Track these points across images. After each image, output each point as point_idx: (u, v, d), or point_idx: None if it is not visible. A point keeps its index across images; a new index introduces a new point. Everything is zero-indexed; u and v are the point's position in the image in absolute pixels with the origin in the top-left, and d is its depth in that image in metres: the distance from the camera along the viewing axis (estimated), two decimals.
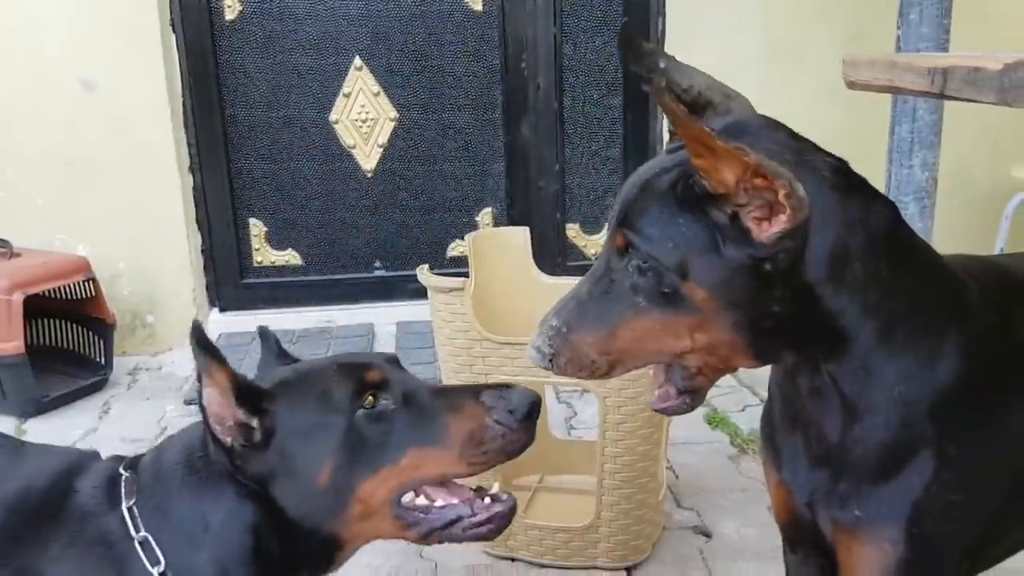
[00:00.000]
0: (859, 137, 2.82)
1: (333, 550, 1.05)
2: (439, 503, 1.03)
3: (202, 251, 3.20)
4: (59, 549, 1.03)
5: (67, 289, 2.73)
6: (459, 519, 1.03)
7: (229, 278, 3.26)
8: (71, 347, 2.86)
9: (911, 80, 0.75)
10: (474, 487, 1.06)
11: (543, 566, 1.82)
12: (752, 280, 0.83)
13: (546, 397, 2.21)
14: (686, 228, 0.83)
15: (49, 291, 2.66)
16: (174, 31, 3.02)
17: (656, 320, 0.85)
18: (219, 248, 3.23)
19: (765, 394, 2.62)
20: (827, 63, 2.79)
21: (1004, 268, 1.05)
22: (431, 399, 1.03)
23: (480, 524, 1.03)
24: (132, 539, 1.02)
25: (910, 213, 2.16)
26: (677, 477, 2.15)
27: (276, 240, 3.27)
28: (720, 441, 2.33)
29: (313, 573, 1.08)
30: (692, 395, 0.94)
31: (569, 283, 1.92)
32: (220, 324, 3.19)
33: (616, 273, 0.88)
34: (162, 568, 1.01)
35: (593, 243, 3.31)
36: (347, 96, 3.15)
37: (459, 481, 1.05)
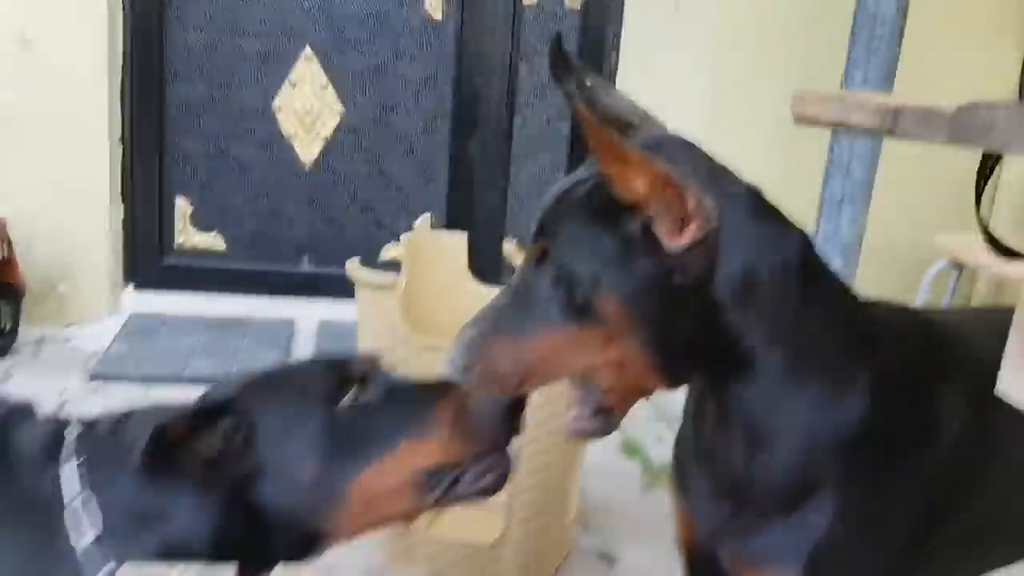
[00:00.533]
0: (794, 189, 2.90)
1: (312, 545, 0.99)
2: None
3: (123, 224, 3.08)
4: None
5: None
6: (462, 475, 1.00)
7: (148, 256, 3.15)
8: None
9: (861, 117, 0.76)
10: None
11: None
12: (661, 293, 0.82)
13: None
14: (599, 238, 0.83)
15: None
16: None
17: (569, 333, 0.84)
18: (141, 223, 3.11)
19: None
20: (773, 112, 2.87)
21: (926, 318, 1.08)
22: (416, 390, 1.01)
23: (477, 479, 1.01)
24: (72, 497, 0.93)
25: (834, 268, 2.22)
26: (586, 502, 2.15)
27: (201, 222, 3.17)
28: (633, 471, 2.33)
29: (289, 559, 1.01)
30: (605, 418, 0.92)
31: None
32: (135, 302, 3.07)
33: (533, 285, 0.86)
34: (99, 532, 0.93)
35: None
36: (293, 85, 3.10)
37: None
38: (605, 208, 0.83)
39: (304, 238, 3.22)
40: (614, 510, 2.13)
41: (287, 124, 3.13)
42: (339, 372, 0.99)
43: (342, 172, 3.19)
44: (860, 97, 0.80)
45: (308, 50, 3.08)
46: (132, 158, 3.05)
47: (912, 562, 0.97)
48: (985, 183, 0.99)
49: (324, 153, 3.17)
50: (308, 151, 3.16)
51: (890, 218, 2.92)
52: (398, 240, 2.79)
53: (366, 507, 0.98)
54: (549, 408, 1.66)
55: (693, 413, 1.01)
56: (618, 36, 3.12)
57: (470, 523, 1.93)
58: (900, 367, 0.93)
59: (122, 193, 3.05)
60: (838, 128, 0.83)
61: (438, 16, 3.10)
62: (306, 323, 3.07)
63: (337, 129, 3.15)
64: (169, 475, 0.94)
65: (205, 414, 0.95)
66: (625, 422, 2.73)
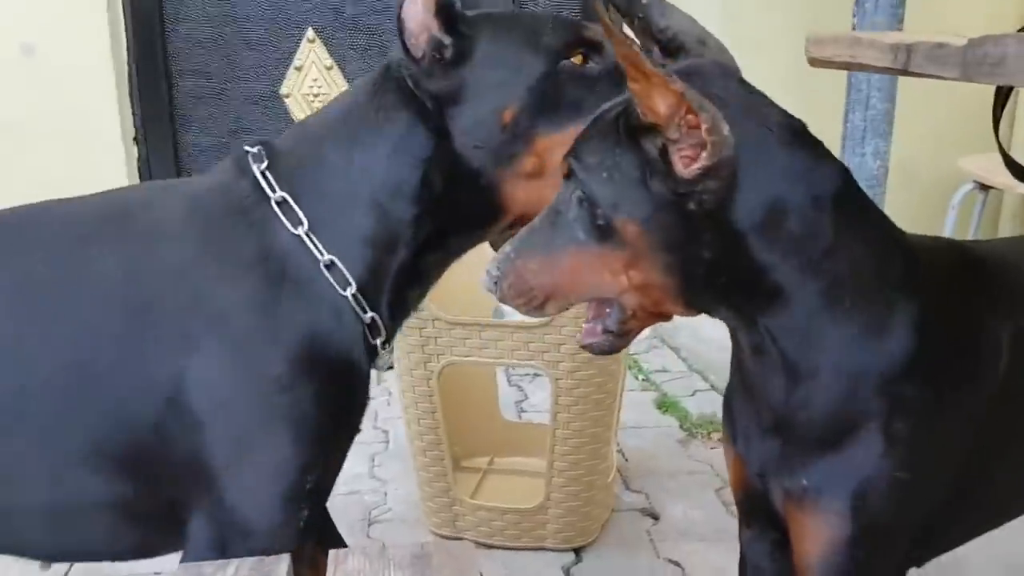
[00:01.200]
0: (814, 125, 2.85)
1: (493, 207, 0.99)
2: None
3: None
4: (178, 227, 0.96)
5: None
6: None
7: None
8: None
9: (874, 56, 0.74)
10: None
11: (490, 547, 1.81)
12: (679, 220, 0.82)
13: (498, 380, 2.19)
14: (620, 159, 0.83)
15: None
16: None
17: (592, 254, 0.85)
18: None
19: (714, 379, 2.64)
20: (784, 52, 2.80)
21: (970, 250, 1.05)
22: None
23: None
24: (268, 201, 0.95)
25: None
26: (627, 460, 2.16)
27: None
28: (670, 425, 2.33)
29: (467, 237, 1.03)
30: (619, 336, 0.92)
31: None
32: None
33: (562, 204, 0.87)
34: (305, 227, 0.94)
35: None
36: (299, 69, 3.08)
37: None
38: (628, 129, 0.83)
39: None
40: (654, 466, 2.13)
41: (297, 109, 3.12)
42: (576, 32, 0.97)
43: None
44: (872, 36, 0.78)
45: (311, 32, 3.06)
46: (148, 157, 3.06)
47: (961, 500, 0.96)
48: (1002, 110, 0.96)
49: None
50: None
51: (913, 145, 2.87)
52: None
53: (541, 173, 0.96)
54: (580, 370, 1.67)
55: (734, 350, 0.99)
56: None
57: (513, 490, 1.95)
58: (945, 301, 0.91)
59: None
60: (852, 69, 0.81)
61: None
62: None
63: None
64: (375, 107, 0.97)
65: (449, 6, 0.94)
66: (659, 378, 2.73)
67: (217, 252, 0.95)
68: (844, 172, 0.88)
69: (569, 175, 0.87)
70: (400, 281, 1.00)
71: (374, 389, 2.60)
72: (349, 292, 0.95)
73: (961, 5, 2.83)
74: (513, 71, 0.94)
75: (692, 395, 2.49)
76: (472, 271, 1.95)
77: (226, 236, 0.95)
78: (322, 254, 0.94)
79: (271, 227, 0.95)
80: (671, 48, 0.93)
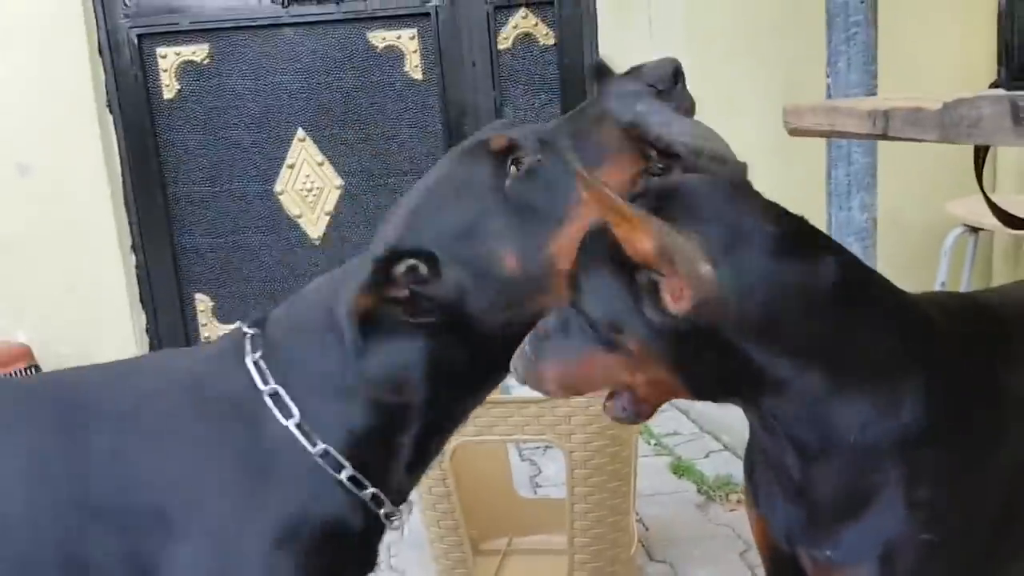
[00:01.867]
0: (796, 183, 2.90)
1: (530, 318, 0.93)
2: None
3: (146, 330, 3.13)
4: (177, 416, 0.95)
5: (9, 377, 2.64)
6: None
7: None
8: None
9: (853, 124, 0.77)
10: None
11: None
12: (676, 338, 0.85)
13: (509, 455, 2.18)
14: (614, 289, 0.85)
15: None
16: (111, 112, 3.00)
17: (602, 359, 0.88)
18: (164, 326, 3.16)
19: (727, 439, 2.62)
20: (761, 115, 2.88)
21: (982, 304, 1.06)
22: (568, 132, 0.94)
23: None
24: (259, 392, 0.94)
25: (854, 253, 2.22)
26: (647, 529, 2.13)
27: (223, 314, 3.21)
28: (687, 490, 2.32)
29: (497, 379, 1.00)
30: (638, 408, 0.95)
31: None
32: None
33: (570, 315, 0.89)
34: (296, 420, 0.94)
35: None
36: (291, 167, 3.15)
37: None
38: (622, 260, 0.83)
39: None
40: (675, 534, 2.11)
41: (291, 206, 3.18)
42: (487, 152, 0.92)
43: (351, 241, 3.23)
44: (849, 103, 0.81)
45: (300, 132, 3.14)
46: (147, 264, 3.10)
47: (989, 563, 0.94)
48: (983, 163, 0.99)
49: (331, 226, 3.21)
50: (315, 227, 3.21)
51: (899, 195, 2.92)
52: None
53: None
54: (593, 440, 1.67)
55: (751, 424, 1.01)
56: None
57: (535, 571, 1.92)
58: (958, 362, 0.92)
59: (141, 299, 3.11)
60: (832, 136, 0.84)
61: (418, 76, 3.16)
62: None
63: (340, 201, 3.20)
64: (375, 337, 0.92)
65: (383, 267, 0.90)
66: (671, 441, 2.71)
67: (208, 442, 0.95)
68: (840, 262, 0.88)
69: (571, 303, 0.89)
70: (415, 449, 1.00)
71: None
72: (344, 475, 0.95)
73: (933, 58, 2.92)
74: (479, 232, 0.92)
75: (706, 457, 2.48)
76: None
77: (218, 426, 0.96)
78: (314, 445, 0.94)
79: (262, 418, 0.95)
80: (668, 154, 0.92)
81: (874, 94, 2.05)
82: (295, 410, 0.94)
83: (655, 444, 2.60)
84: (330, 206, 3.20)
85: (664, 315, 0.83)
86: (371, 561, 1.03)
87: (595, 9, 3.12)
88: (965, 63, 2.92)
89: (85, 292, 2.95)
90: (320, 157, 3.17)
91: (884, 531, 0.88)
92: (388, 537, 2.27)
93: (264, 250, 3.20)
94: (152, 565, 0.91)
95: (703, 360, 0.86)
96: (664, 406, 2.64)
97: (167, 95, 3.06)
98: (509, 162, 0.91)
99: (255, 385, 0.95)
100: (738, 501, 2.18)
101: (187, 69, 3.06)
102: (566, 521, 1.72)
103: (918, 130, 0.64)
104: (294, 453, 0.94)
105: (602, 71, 0.95)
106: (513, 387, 2.60)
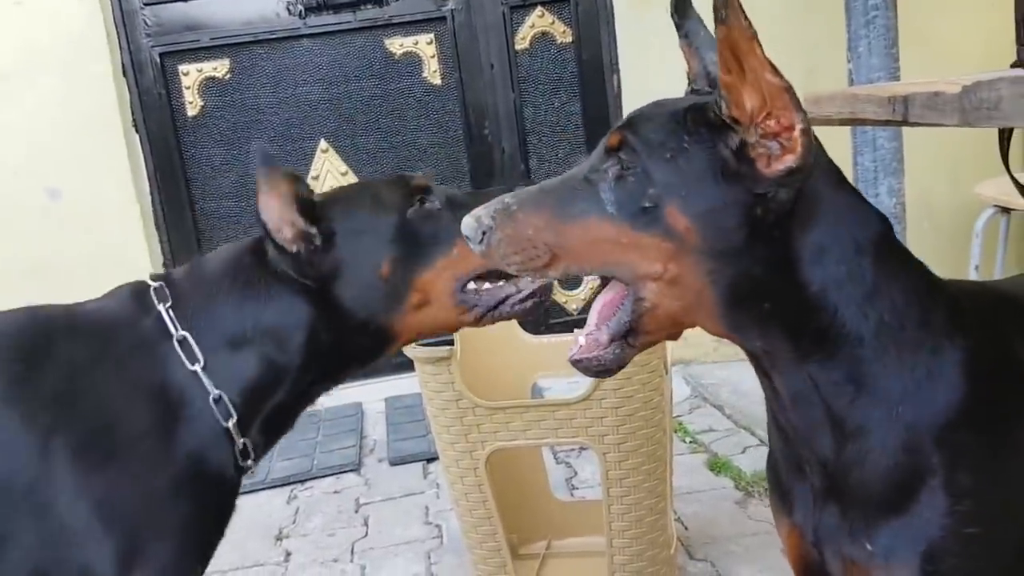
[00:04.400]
0: None
1: (384, 342, 1.15)
2: (486, 286, 1.15)
3: None
4: (89, 359, 1.04)
5: None
6: (507, 298, 1.15)
7: None
8: None
9: (873, 110, 0.76)
10: None
11: None
12: (738, 225, 0.78)
13: (543, 458, 2.18)
14: (690, 147, 0.79)
15: None
16: (137, 131, 3.04)
17: (623, 232, 0.80)
18: None
19: (763, 433, 2.59)
20: None
21: (1002, 290, 1.04)
22: (470, 198, 1.15)
23: (524, 299, 1.16)
24: (170, 338, 1.06)
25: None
26: (686, 528, 2.12)
27: None
28: (725, 487, 2.30)
29: (356, 368, 1.17)
30: (620, 349, 0.86)
31: (554, 340, 1.89)
32: None
33: (594, 173, 0.83)
34: (201, 364, 1.06)
35: (573, 298, 3.32)
36: (316, 179, 3.17)
37: None
38: (702, 121, 0.80)
39: None
40: (715, 532, 2.09)
41: None
42: (406, 185, 1.14)
43: None
44: (869, 90, 0.80)
45: (323, 143, 3.16)
46: None
47: None
48: (1008, 144, 0.97)
49: None
50: None
51: (928, 178, 2.88)
52: None
53: (428, 302, 1.11)
54: (627, 441, 1.66)
55: (769, 407, 0.95)
56: (615, 59, 3.15)
57: (577, 571, 1.92)
58: (991, 344, 0.89)
59: None
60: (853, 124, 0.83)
61: (437, 81, 3.16)
62: (372, 403, 3.11)
63: None
64: (257, 279, 1.09)
65: (306, 205, 1.08)
66: (706, 438, 2.69)
67: (121, 383, 1.05)
68: (884, 221, 0.87)
69: (616, 148, 0.82)
70: (277, 411, 1.13)
71: (421, 482, 2.58)
72: (231, 423, 1.07)
73: (956, 38, 2.87)
74: (374, 234, 1.11)
75: (743, 452, 2.45)
76: (504, 356, 1.96)
77: (130, 369, 1.06)
78: (212, 390, 1.06)
79: (171, 362, 1.06)
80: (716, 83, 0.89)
81: (897, 77, 2.02)
82: (200, 356, 1.06)
83: (691, 442, 2.58)
84: None
85: (751, 183, 0.77)
86: (232, 507, 1.14)
87: (611, 3, 3.11)
88: (988, 41, 2.87)
89: None
90: (343, 167, 3.18)
91: (927, 525, 0.84)
92: (426, 545, 2.29)
93: None
94: (74, 495, 0.98)
95: (754, 266, 0.80)
96: (698, 403, 2.62)
97: (191, 112, 3.10)
98: (417, 199, 1.13)
99: (164, 330, 1.06)
100: None
101: (209, 85, 3.09)
102: (604, 523, 1.72)
103: (938, 115, 0.63)
104: (195, 398, 1.05)
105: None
106: (546, 391, 2.60)
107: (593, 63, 3.18)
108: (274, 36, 3.07)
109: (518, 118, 3.20)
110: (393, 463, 2.68)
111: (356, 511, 2.42)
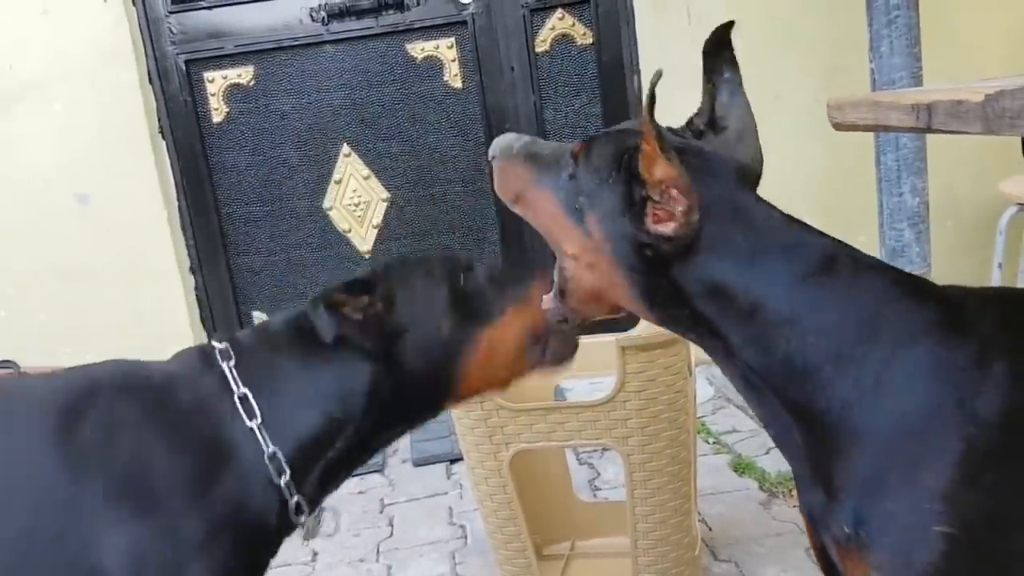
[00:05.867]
0: (844, 171, 2.87)
1: (442, 399, 1.20)
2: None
3: None
4: (142, 411, 1.07)
5: None
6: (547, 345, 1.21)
7: None
8: None
9: (897, 117, 0.77)
10: None
11: None
12: (636, 254, 0.93)
13: (567, 459, 2.19)
14: (613, 180, 0.95)
15: None
16: (164, 138, 3.09)
17: (560, 214, 0.98)
18: None
19: None
20: (804, 102, 2.85)
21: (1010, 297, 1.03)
22: (513, 274, 1.26)
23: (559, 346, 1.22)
24: (231, 395, 1.09)
25: (906, 239, 2.18)
26: (710, 529, 2.12)
27: None
28: (749, 488, 2.30)
29: (413, 424, 1.22)
30: (563, 305, 1.04)
31: (583, 340, 1.90)
32: None
33: (563, 161, 1.01)
34: (259, 421, 1.09)
35: None
36: (338, 183, 3.20)
37: None
38: (631, 166, 0.94)
39: None
40: (739, 533, 2.10)
41: (340, 221, 3.23)
42: (452, 261, 1.23)
43: (399, 252, 3.27)
44: (892, 97, 0.81)
45: (345, 147, 3.19)
46: (205, 285, 3.18)
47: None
48: None
49: (379, 239, 3.26)
50: (364, 241, 3.26)
51: (951, 176, 2.87)
52: None
53: (486, 360, 1.18)
54: (651, 443, 1.67)
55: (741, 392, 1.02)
56: (636, 60, 3.15)
57: (601, 572, 1.93)
58: (969, 351, 0.87)
59: (202, 320, 3.18)
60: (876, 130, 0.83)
61: (458, 84, 3.18)
62: None
63: (387, 214, 3.24)
64: (331, 347, 1.11)
65: (357, 284, 1.15)
66: (730, 439, 2.70)
67: (174, 437, 1.07)
68: (822, 252, 0.91)
69: (575, 154, 1.00)
70: (332, 466, 1.16)
71: (445, 483, 2.60)
72: (283, 480, 1.09)
73: (978, 38, 2.85)
74: (430, 302, 1.18)
75: (767, 453, 2.45)
76: None
77: (186, 424, 1.09)
78: (268, 446, 1.09)
79: (229, 418, 1.09)
80: (715, 126, 1.03)
81: (919, 77, 2.02)
82: (258, 412, 1.09)
83: (714, 443, 2.58)
84: (378, 219, 3.24)
85: (636, 228, 0.92)
86: (274, 553, 1.16)
87: (632, 5, 3.12)
88: (1011, 40, 2.85)
89: (147, 315, 3.04)
90: (366, 171, 3.21)
91: (898, 516, 0.85)
92: (451, 546, 2.31)
93: (316, 266, 3.25)
94: (85, 543, 1.00)
95: (658, 281, 0.94)
96: (722, 403, 2.63)
97: (216, 118, 3.14)
98: (464, 273, 1.22)
99: (226, 387, 1.10)
100: None
101: (234, 92, 3.13)
102: (628, 524, 1.73)
103: (961, 123, 0.64)
104: (249, 454, 1.08)
105: (728, 33, 1.08)
106: (568, 392, 2.61)
107: (613, 65, 3.19)
108: (297, 43, 3.11)
109: (538, 120, 3.22)
110: (417, 464, 2.70)
111: (381, 511, 2.45)
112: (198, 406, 1.09)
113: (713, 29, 1.06)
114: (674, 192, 0.89)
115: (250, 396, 1.09)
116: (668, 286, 0.94)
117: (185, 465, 1.06)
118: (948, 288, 0.94)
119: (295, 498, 1.10)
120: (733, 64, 1.06)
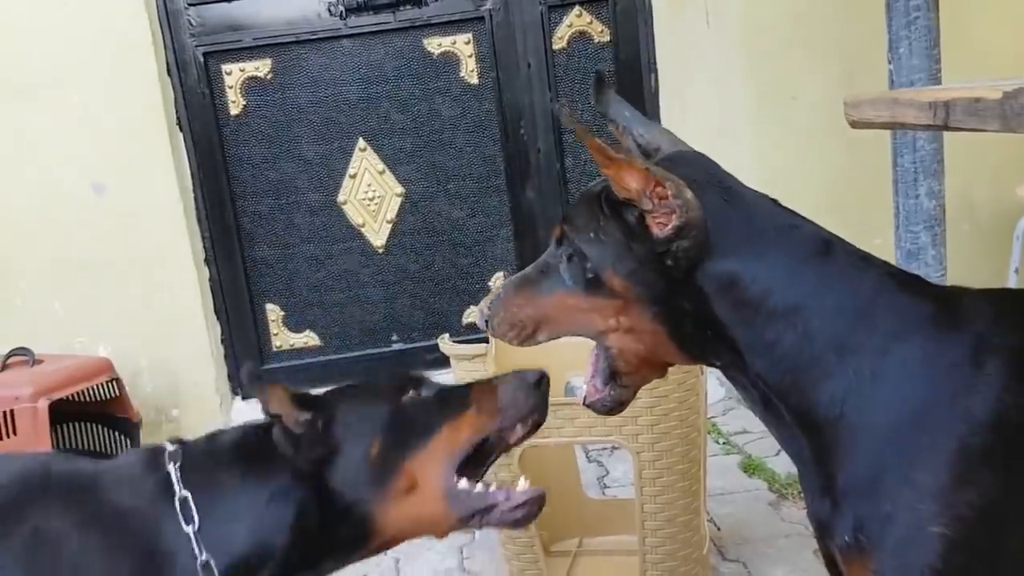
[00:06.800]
0: (860, 173, 2.85)
1: (365, 534, 1.16)
2: (478, 488, 1.17)
3: (222, 341, 3.22)
4: (82, 512, 1.09)
5: (91, 391, 2.74)
6: (496, 505, 1.17)
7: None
8: (98, 448, 2.86)
9: (914, 115, 0.76)
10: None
11: None
12: (659, 276, 0.93)
13: (576, 456, 2.19)
14: (605, 224, 0.96)
15: (73, 395, 2.67)
16: (181, 130, 3.10)
17: (581, 299, 0.98)
18: (238, 336, 3.25)
19: None
20: (821, 103, 2.84)
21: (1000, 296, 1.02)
22: (458, 388, 1.25)
23: (515, 509, 1.18)
24: (173, 496, 1.11)
25: (922, 242, 2.16)
26: (719, 529, 2.12)
27: (293, 323, 3.29)
28: (758, 488, 2.29)
29: (339, 560, 1.19)
30: (617, 390, 1.03)
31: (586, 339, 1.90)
32: (243, 412, 3.19)
33: (553, 259, 1.02)
34: (196, 527, 1.10)
35: None
36: (353, 177, 3.21)
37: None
38: (609, 203, 0.96)
39: (389, 318, 3.31)
40: (748, 533, 2.09)
41: (354, 215, 3.24)
42: (401, 378, 1.23)
43: (413, 248, 3.27)
44: (910, 94, 0.80)
45: (361, 142, 3.19)
46: (219, 276, 3.20)
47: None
48: None
49: (393, 234, 3.26)
50: (378, 236, 3.26)
51: (969, 180, 2.84)
52: (476, 305, 2.84)
53: (415, 487, 1.14)
54: (661, 440, 1.67)
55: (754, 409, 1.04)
56: (653, 59, 3.15)
57: (606, 571, 1.93)
58: (965, 346, 0.88)
59: (215, 311, 3.20)
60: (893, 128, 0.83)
61: (474, 80, 3.19)
62: None
63: (401, 209, 3.25)
64: (260, 456, 1.15)
65: (306, 400, 1.17)
66: (741, 440, 2.70)
67: (111, 537, 1.10)
68: (817, 237, 0.93)
69: (560, 238, 1.01)
70: None
71: None
72: None
73: (998, 40, 2.83)
74: (368, 422, 1.17)
75: (777, 454, 2.45)
76: (536, 354, 1.98)
77: (124, 524, 1.11)
78: (201, 553, 1.10)
79: (166, 520, 1.11)
80: (649, 151, 1.07)
81: (937, 78, 2.00)
82: (196, 518, 1.10)
83: (724, 443, 2.57)
84: (392, 214, 3.25)
85: (651, 244, 0.92)
86: None
87: (650, 3, 3.11)
88: None
89: (162, 306, 3.05)
90: (381, 166, 3.22)
91: (892, 519, 0.85)
92: (458, 540, 2.31)
93: (330, 260, 3.26)
94: None
95: (684, 303, 0.93)
96: (732, 404, 2.64)
97: (233, 111, 3.15)
98: (410, 388, 1.21)
99: (168, 489, 1.13)
100: None
101: (251, 85, 3.14)
102: (636, 522, 1.73)
103: (979, 120, 0.64)
104: (186, 561, 1.10)
105: (601, 80, 1.14)
106: (578, 390, 2.60)
107: (630, 63, 3.19)
108: (315, 36, 3.11)
109: (554, 117, 3.21)
110: None
111: None
112: (140, 506, 1.12)
113: (592, 81, 1.12)
114: (660, 190, 0.91)
115: (190, 499, 1.11)
116: (691, 304, 0.94)
117: (122, 569, 1.08)
118: (946, 287, 0.95)
119: None
120: (621, 101, 1.12)
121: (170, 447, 1.18)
